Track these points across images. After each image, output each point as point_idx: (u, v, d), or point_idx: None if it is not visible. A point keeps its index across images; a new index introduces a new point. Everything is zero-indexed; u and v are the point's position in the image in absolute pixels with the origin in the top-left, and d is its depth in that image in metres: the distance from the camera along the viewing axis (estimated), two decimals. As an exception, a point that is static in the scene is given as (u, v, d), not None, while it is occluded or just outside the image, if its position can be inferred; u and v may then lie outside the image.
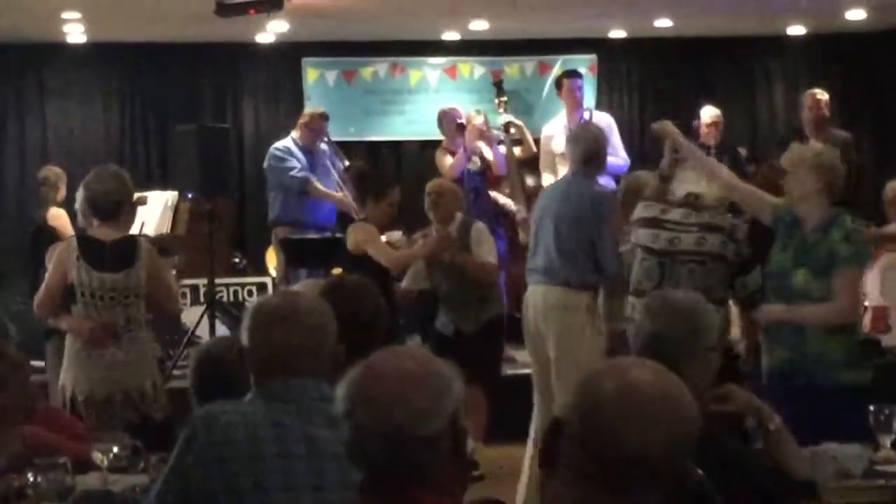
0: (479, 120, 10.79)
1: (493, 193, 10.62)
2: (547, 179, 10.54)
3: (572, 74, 11.18)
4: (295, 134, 10.84)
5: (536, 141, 10.99)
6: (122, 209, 6.52)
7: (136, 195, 10.84)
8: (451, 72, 13.33)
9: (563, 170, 9.89)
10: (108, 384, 6.26)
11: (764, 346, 6.01)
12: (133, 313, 6.39)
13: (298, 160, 10.62)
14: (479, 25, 12.42)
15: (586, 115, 10.78)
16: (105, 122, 13.27)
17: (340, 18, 11.83)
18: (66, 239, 6.60)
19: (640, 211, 6.68)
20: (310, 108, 11.56)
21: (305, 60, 13.22)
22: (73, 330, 6.41)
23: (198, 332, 9.84)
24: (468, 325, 8.31)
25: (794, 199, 5.87)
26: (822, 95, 10.43)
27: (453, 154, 10.62)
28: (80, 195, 6.65)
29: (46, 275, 6.51)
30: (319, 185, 10.59)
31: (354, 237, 8.26)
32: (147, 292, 6.42)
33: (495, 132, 10.94)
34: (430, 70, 13.34)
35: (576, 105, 10.86)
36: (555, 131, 10.75)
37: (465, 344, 8.10)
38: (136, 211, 6.88)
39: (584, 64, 13.14)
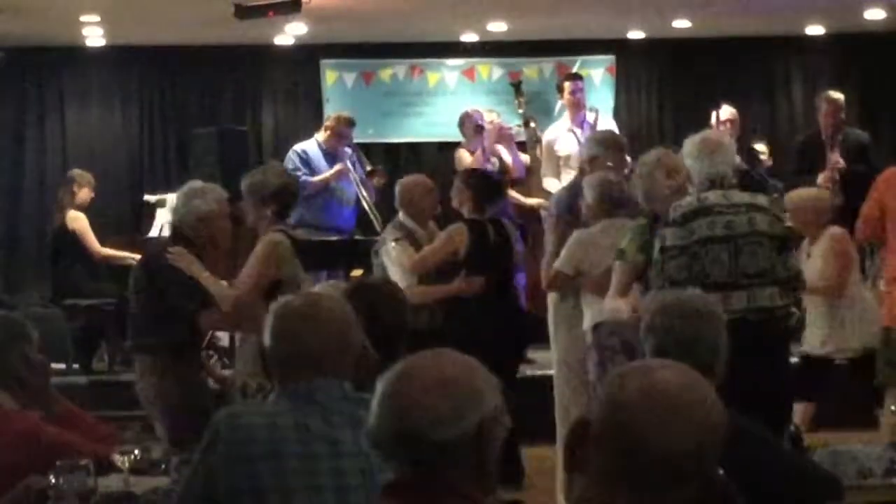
0: (497, 119, 10.80)
1: (512, 193, 10.52)
2: (550, 183, 10.22)
3: (572, 77, 10.96)
4: (319, 136, 10.80)
5: None
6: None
7: (156, 198, 11.00)
8: (470, 73, 13.32)
9: (567, 173, 9.84)
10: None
11: None
12: None
13: (308, 165, 10.58)
14: (498, 27, 12.42)
15: (590, 117, 10.50)
16: (124, 125, 13.29)
17: (359, 20, 11.84)
18: (272, 235, 6.23)
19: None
20: (336, 111, 11.45)
21: (324, 62, 13.23)
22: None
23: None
24: None
25: None
26: (838, 98, 10.38)
27: (473, 155, 10.59)
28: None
29: (248, 271, 6.20)
30: (311, 178, 10.45)
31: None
32: None
33: (515, 128, 10.94)
34: (449, 72, 13.33)
35: (577, 107, 10.59)
36: (558, 134, 10.52)
37: None
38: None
39: (603, 65, 13.13)
